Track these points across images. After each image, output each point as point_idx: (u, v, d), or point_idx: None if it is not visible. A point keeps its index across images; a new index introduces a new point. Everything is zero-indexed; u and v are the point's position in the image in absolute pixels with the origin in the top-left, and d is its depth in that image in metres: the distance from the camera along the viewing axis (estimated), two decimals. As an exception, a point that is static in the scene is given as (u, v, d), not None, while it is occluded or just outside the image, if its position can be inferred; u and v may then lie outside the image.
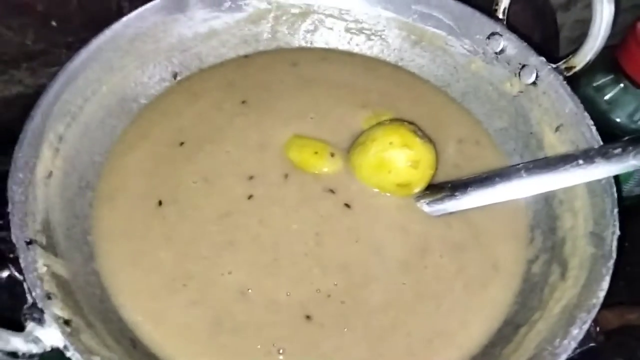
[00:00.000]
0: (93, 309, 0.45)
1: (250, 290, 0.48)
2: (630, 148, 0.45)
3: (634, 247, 0.57)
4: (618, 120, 0.62)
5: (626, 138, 0.47)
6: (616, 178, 0.49)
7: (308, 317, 0.47)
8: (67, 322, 0.40)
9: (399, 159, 0.51)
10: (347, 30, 0.65)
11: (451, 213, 0.53)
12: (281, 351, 0.45)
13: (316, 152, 0.54)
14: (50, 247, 0.45)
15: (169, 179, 0.53)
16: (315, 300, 0.47)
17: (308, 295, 0.48)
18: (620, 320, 0.62)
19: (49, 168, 0.49)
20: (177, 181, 0.53)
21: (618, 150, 0.46)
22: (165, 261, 0.49)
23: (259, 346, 0.45)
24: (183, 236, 0.50)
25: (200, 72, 0.62)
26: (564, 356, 0.41)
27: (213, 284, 0.48)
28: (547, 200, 0.54)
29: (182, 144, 0.55)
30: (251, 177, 0.53)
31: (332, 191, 0.53)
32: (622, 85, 0.61)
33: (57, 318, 0.39)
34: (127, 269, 0.48)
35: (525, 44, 0.58)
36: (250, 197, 0.52)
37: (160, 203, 0.52)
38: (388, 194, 0.53)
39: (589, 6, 0.53)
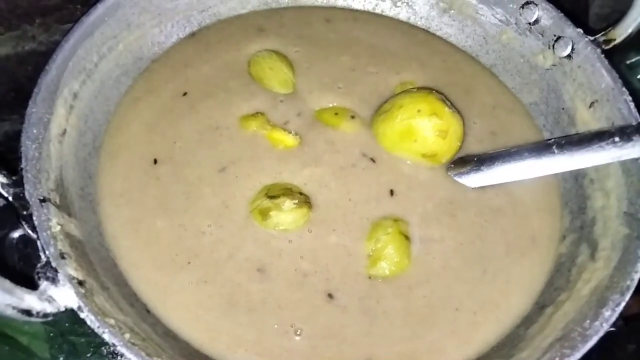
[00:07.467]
0: (107, 271, 0.44)
1: (265, 267, 0.45)
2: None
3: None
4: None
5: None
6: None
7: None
8: (81, 283, 0.39)
9: (427, 128, 0.49)
10: (372, -7, 0.63)
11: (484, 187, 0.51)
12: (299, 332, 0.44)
13: (336, 113, 0.53)
14: (64, 207, 0.43)
15: (168, 131, 0.51)
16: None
17: None
18: (640, 306, 0.60)
19: (63, 126, 0.47)
20: (176, 134, 0.51)
21: (659, 128, 0.44)
22: (163, 232, 0.46)
23: (275, 326, 0.44)
24: (176, 203, 0.48)
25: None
26: (595, 338, 0.40)
27: (222, 264, 0.45)
28: (577, 179, 0.52)
29: (185, 94, 0.53)
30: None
31: (368, 157, 0.51)
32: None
33: (71, 278, 0.38)
34: (129, 235, 0.46)
35: (561, 14, 0.55)
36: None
37: (155, 161, 0.49)
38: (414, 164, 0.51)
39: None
